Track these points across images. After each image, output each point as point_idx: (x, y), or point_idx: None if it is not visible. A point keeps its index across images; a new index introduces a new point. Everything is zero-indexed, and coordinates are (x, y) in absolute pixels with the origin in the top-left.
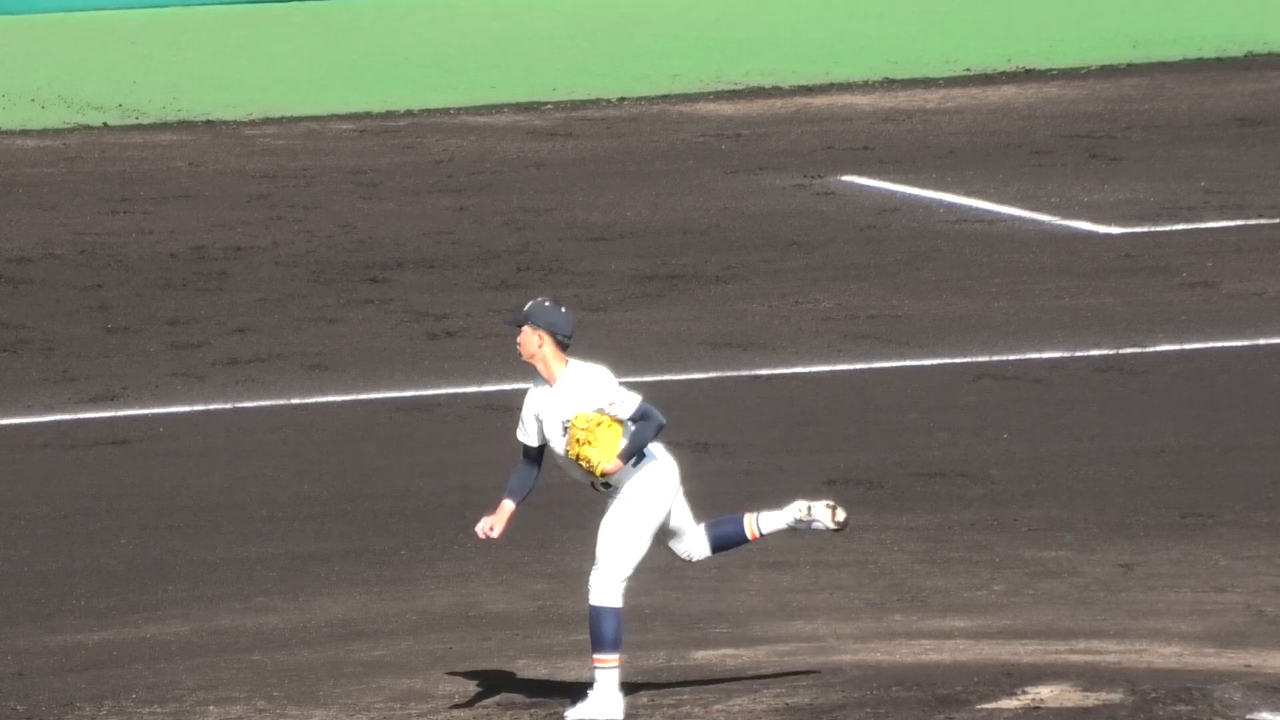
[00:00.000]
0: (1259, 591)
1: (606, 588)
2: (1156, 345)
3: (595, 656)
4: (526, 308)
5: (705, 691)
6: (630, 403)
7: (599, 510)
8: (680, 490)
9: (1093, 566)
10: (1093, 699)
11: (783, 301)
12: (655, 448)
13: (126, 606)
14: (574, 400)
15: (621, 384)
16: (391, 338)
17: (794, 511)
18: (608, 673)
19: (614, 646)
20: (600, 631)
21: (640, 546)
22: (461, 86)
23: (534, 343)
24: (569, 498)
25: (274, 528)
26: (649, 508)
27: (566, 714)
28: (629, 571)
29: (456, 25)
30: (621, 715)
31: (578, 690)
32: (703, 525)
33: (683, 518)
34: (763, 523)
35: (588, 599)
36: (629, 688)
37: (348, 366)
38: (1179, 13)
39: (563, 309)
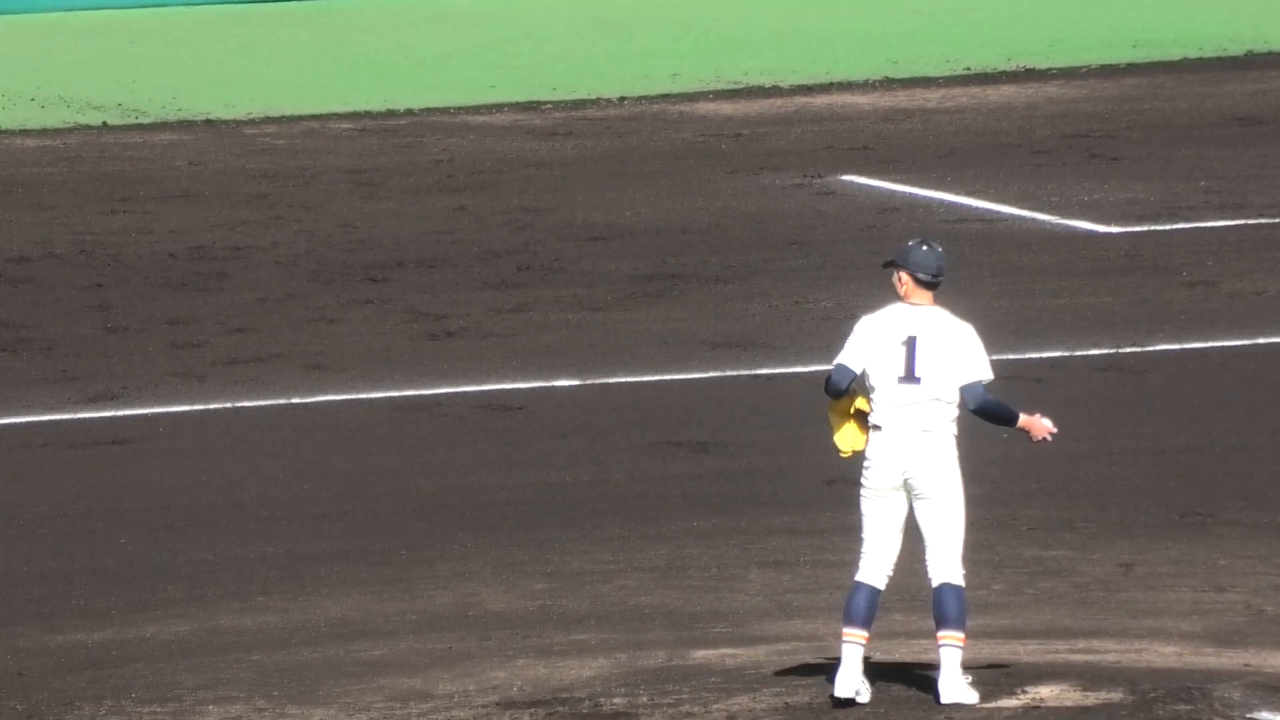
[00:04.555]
0: (1259, 591)
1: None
2: (1156, 345)
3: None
4: (896, 249)
5: (705, 691)
6: (981, 371)
7: (599, 510)
8: (911, 490)
9: (1093, 566)
10: (1093, 699)
11: (783, 301)
12: (882, 437)
13: (126, 606)
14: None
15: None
16: (391, 338)
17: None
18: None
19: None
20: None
21: (866, 528)
22: (461, 86)
23: (898, 285)
24: (569, 498)
25: (274, 528)
26: (863, 492)
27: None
28: (866, 552)
29: (456, 25)
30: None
31: (576, 689)
32: (942, 584)
33: (925, 525)
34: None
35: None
36: (629, 687)
37: (348, 366)
38: (1179, 13)
39: (925, 247)
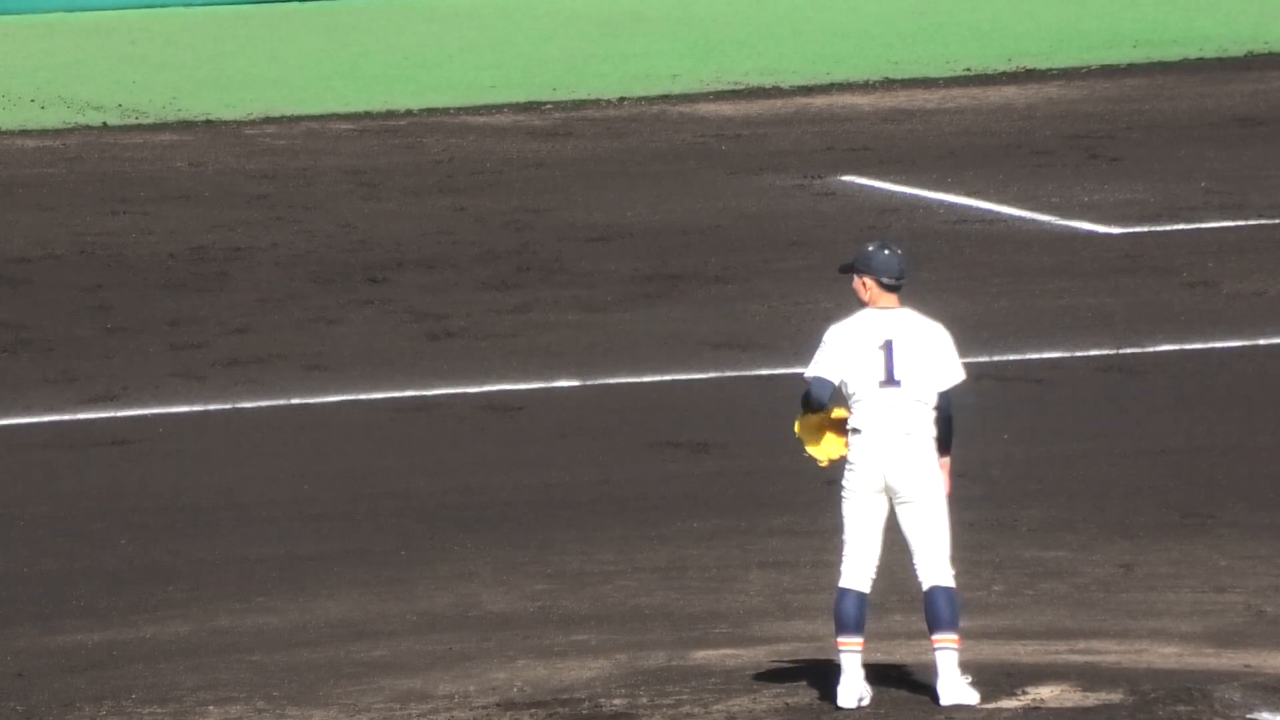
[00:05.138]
0: (1259, 591)
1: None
2: (1156, 345)
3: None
4: (855, 253)
5: (705, 692)
6: (956, 376)
7: (599, 511)
8: (894, 493)
9: (1093, 566)
10: (1093, 699)
11: (783, 301)
12: (864, 440)
13: (126, 606)
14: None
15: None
16: (391, 338)
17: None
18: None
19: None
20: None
21: (848, 532)
22: (461, 86)
23: (861, 290)
24: (569, 498)
25: (274, 528)
26: (844, 495)
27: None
28: (848, 555)
29: (456, 25)
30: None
31: (576, 689)
32: (933, 587)
33: (909, 529)
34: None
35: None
36: (629, 688)
37: (348, 366)
38: (1179, 13)
39: (886, 251)
